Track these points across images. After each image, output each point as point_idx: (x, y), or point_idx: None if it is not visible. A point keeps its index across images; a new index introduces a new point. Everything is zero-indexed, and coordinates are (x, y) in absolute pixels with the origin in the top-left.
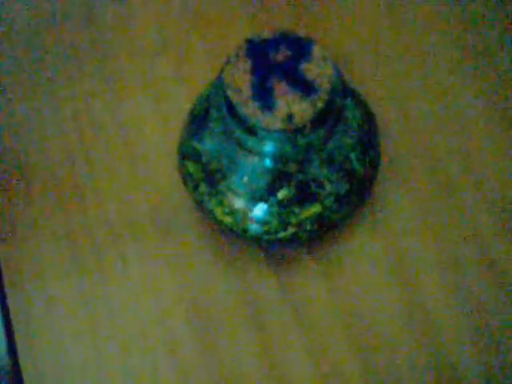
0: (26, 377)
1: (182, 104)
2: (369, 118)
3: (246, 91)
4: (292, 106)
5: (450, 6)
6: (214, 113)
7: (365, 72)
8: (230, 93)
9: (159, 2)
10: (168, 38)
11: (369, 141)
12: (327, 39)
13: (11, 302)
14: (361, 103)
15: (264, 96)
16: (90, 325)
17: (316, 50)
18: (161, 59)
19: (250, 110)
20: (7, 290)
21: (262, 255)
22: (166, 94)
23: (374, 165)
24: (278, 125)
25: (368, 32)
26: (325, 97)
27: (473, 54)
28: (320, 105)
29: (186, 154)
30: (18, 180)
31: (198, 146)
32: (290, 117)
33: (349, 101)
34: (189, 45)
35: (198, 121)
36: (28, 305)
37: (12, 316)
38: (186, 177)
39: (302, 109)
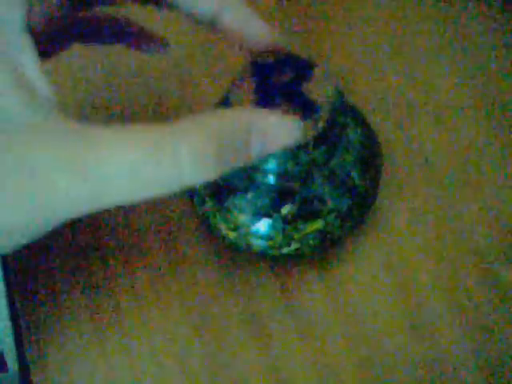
0: None
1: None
2: (370, 135)
3: None
4: None
5: (448, 25)
6: None
7: (366, 91)
8: None
9: (162, 23)
10: (172, 59)
11: (370, 158)
12: (329, 60)
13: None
14: (362, 122)
15: None
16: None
17: (317, 72)
18: (165, 80)
19: None
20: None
21: (266, 270)
22: (169, 112)
23: (375, 181)
24: None
25: (369, 53)
26: (326, 116)
27: (473, 75)
28: (321, 124)
29: None
30: None
31: None
32: None
33: (350, 119)
34: (192, 66)
35: None
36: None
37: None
38: (192, 193)
39: (303, 128)
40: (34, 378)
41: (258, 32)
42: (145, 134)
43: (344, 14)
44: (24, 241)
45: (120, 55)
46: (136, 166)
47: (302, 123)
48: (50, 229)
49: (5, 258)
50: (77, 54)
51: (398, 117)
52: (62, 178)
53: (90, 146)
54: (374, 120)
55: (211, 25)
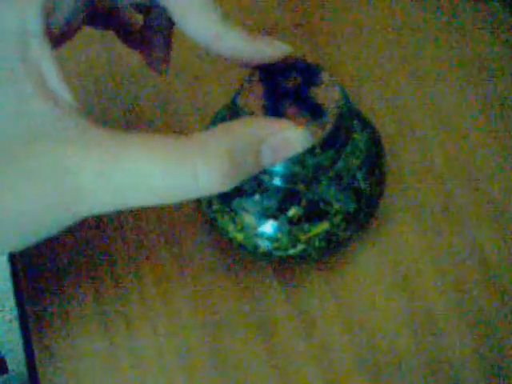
0: None
1: (194, 126)
2: (375, 139)
3: (259, 115)
4: None
5: (452, 31)
6: None
7: (371, 96)
8: (244, 116)
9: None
10: (180, 62)
11: (375, 161)
12: (336, 64)
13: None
14: (367, 126)
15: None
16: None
17: (324, 76)
18: (173, 83)
19: None
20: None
21: (273, 271)
22: (178, 117)
23: (380, 184)
24: None
25: (373, 57)
26: (333, 120)
27: (476, 79)
28: (328, 127)
29: None
30: None
31: None
32: None
33: (356, 123)
34: (200, 69)
35: None
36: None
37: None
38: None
39: (311, 131)
40: (42, 378)
41: (261, 54)
42: (167, 147)
43: (348, 19)
44: (36, 239)
45: (127, 52)
46: (158, 178)
47: (309, 131)
48: (64, 227)
49: (13, 258)
50: (82, 53)
51: (403, 120)
52: (89, 182)
53: (115, 155)
54: (379, 123)
55: (208, 49)
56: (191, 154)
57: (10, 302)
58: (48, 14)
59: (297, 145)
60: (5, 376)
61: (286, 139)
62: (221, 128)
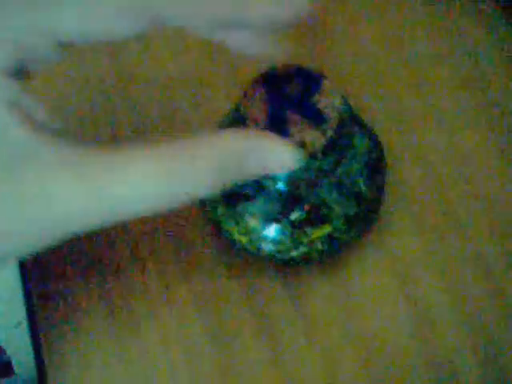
0: None
1: (200, 129)
2: (376, 145)
3: (262, 121)
4: (304, 134)
5: (450, 32)
6: None
7: (372, 102)
8: (247, 122)
9: (174, 32)
10: (184, 66)
11: (375, 165)
12: (337, 72)
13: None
14: (368, 131)
15: (278, 125)
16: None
17: (326, 84)
18: (177, 87)
19: None
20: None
21: (275, 273)
22: (182, 122)
23: (381, 189)
24: None
25: (373, 63)
26: (334, 126)
27: (474, 86)
28: (330, 133)
29: None
30: None
31: None
32: (302, 145)
33: (357, 129)
34: (207, 73)
35: None
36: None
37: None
38: (204, 199)
39: (313, 137)
40: (51, 379)
41: (264, 52)
42: (155, 160)
43: (348, 28)
44: (36, 248)
45: (130, 57)
46: (148, 189)
47: (299, 153)
48: (62, 239)
49: (23, 264)
50: (84, 56)
51: (403, 126)
52: (76, 203)
53: (102, 172)
54: (379, 129)
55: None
56: (181, 164)
57: (19, 305)
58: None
59: (285, 162)
60: (11, 377)
61: (274, 154)
62: (212, 136)
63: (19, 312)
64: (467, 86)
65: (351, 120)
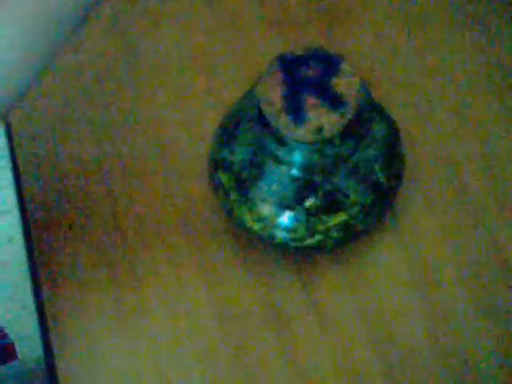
0: None
1: (212, 114)
2: (393, 131)
3: (279, 104)
4: (322, 118)
5: (469, 19)
6: (244, 124)
7: (390, 88)
8: (263, 106)
9: (188, 16)
10: (197, 50)
11: (393, 153)
12: (355, 56)
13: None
14: (386, 118)
15: (295, 109)
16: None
17: (344, 66)
18: (191, 71)
19: (281, 122)
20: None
21: (289, 261)
22: (195, 105)
23: (398, 177)
24: (309, 137)
25: (393, 50)
26: (352, 110)
27: (493, 70)
28: (348, 117)
29: (218, 164)
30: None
31: (229, 156)
32: (319, 129)
33: (375, 115)
34: (218, 57)
35: (228, 132)
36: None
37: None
38: (217, 186)
39: (331, 121)
40: (58, 364)
41: None
42: None
43: (365, 15)
44: None
45: (140, 51)
46: None
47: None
48: None
49: (30, 247)
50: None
51: (420, 112)
52: None
53: None
54: (397, 115)
55: None
56: None
57: (26, 289)
58: None
59: None
60: (14, 363)
61: None
62: None
63: (26, 294)
64: (486, 70)
65: (369, 105)
